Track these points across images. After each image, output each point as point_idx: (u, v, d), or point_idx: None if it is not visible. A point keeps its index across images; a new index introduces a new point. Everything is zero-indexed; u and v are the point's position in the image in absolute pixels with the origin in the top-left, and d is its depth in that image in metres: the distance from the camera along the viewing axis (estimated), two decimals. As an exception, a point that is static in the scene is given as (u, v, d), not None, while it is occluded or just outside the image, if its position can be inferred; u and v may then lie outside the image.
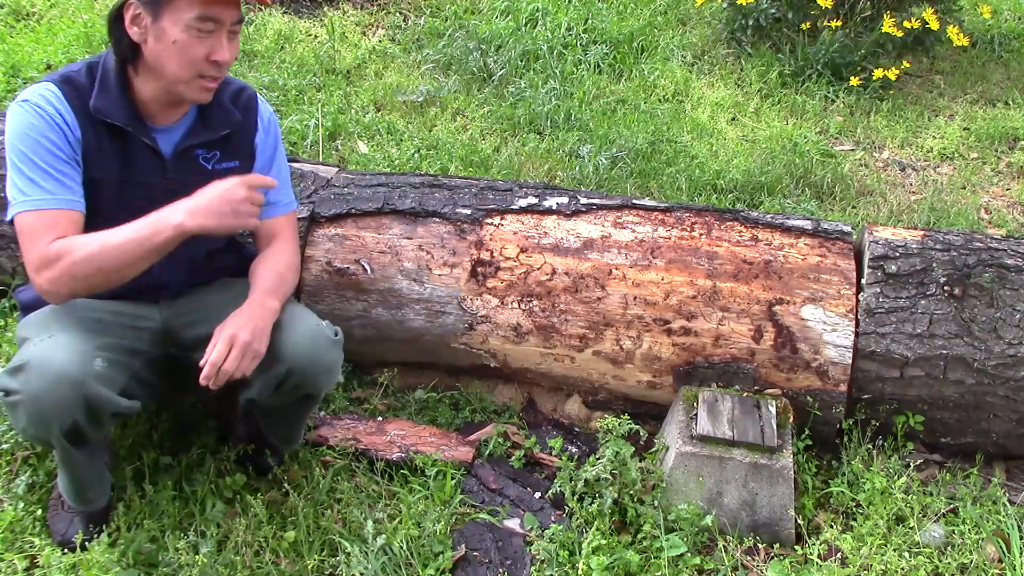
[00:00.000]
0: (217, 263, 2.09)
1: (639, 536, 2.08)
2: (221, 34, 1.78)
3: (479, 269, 2.35)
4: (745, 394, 2.23)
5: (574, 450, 2.37)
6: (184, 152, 1.91)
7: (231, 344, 1.78)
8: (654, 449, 2.23)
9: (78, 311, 1.89)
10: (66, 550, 1.97)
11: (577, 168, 3.46)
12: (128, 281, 1.80)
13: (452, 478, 2.20)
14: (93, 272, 1.73)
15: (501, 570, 2.03)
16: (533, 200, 2.42)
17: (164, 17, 1.73)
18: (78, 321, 1.86)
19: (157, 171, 1.88)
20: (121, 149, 1.85)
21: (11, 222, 1.79)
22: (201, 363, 1.78)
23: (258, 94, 2.07)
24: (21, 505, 2.06)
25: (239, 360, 1.78)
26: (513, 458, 2.33)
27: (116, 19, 1.77)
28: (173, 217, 1.72)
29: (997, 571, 2.03)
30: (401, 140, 3.60)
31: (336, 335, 1.96)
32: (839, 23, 4.19)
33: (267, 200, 1.98)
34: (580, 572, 1.95)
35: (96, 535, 1.97)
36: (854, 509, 2.18)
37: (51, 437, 1.73)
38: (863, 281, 2.26)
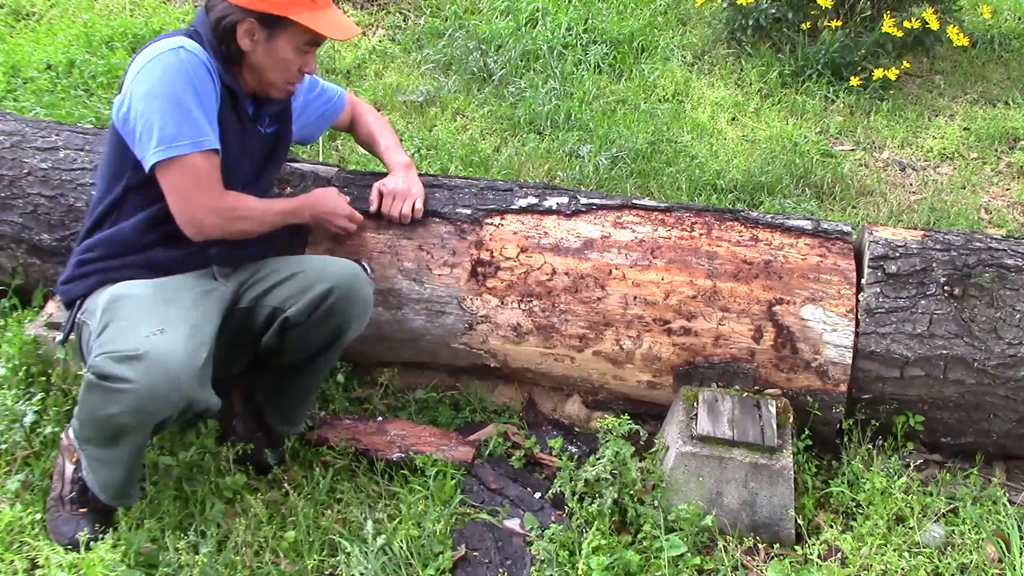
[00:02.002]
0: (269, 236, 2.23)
1: (639, 536, 2.08)
2: (314, 52, 2.05)
3: (479, 269, 2.35)
4: (745, 394, 2.23)
5: (574, 450, 2.37)
6: (256, 121, 2.13)
7: (393, 196, 2.36)
8: (654, 449, 2.23)
9: (170, 289, 1.94)
10: (69, 552, 1.96)
11: (577, 168, 3.46)
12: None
13: (452, 478, 2.20)
14: (250, 228, 2.03)
15: (501, 570, 2.03)
16: (533, 200, 2.42)
17: (279, 37, 1.97)
18: (184, 309, 1.89)
19: (244, 135, 2.09)
20: (235, 111, 2.04)
21: (159, 164, 1.88)
22: (383, 210, 2.37)
23: None
24: (19, 506, 2.06)
25: (404, 203, 2.36)
26: (513, 458, 2.33)
27: (229, 28, 1.94)
28: (308, 208, 2.17)
29: (997, 571, 2.03)
30: (401, 140, 3.60)
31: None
32: (839, 23, 4.19)
33: (327, 100, 2.43)
34: (580, 572, 1.95)
35: (102, 535, 1.97)
36: (854, 509, 2.18)
37: (142, 428, 1.80)
38: (863, 281, 2.26)
